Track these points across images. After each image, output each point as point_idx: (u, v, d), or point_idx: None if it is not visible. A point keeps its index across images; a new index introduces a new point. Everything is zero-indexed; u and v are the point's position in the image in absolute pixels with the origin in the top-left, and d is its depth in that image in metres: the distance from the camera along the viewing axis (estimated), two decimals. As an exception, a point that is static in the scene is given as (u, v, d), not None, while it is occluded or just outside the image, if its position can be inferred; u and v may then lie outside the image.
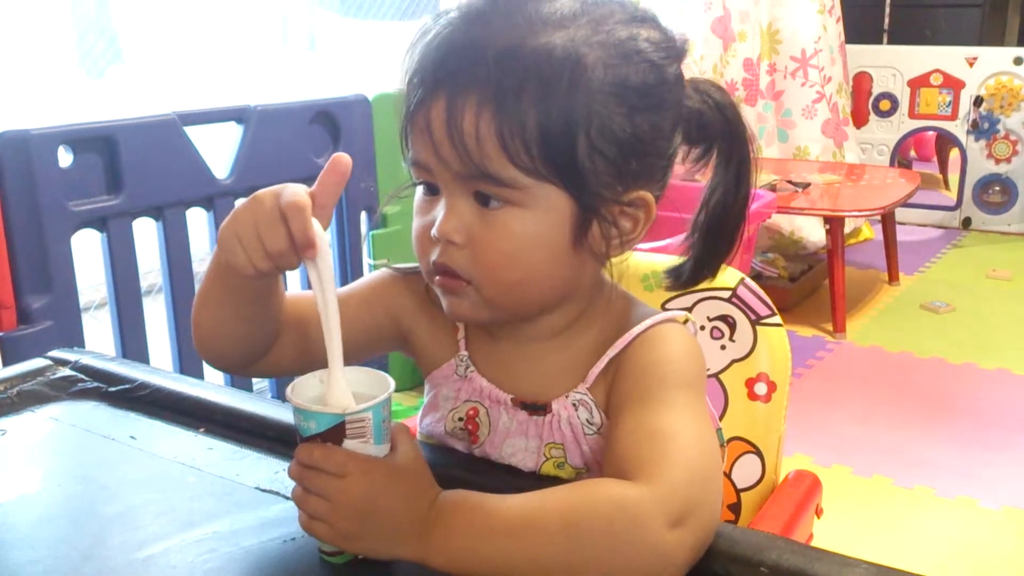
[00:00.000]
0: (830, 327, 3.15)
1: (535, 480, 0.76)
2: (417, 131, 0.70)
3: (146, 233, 2.01)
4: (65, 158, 1.77)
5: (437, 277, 0.73)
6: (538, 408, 0.77)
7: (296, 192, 0.65)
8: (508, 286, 0.72)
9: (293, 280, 2.35)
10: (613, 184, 0.71)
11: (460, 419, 0.81)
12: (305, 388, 0.68)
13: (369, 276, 0.87)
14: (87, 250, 2.02)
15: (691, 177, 0.80)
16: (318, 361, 0.68)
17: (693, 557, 0.63)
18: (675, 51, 0.74)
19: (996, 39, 5.22)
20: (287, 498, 0.67)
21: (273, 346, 0.79)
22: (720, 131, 0.76)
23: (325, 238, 0.66)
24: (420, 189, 0.74)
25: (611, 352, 0.76)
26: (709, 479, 0.65)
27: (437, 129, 0.68)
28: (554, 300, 0.76)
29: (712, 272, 0.79)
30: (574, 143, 0.68)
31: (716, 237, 0.77)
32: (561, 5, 0.70)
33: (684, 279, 0.79)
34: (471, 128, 0.67)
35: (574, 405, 0.76)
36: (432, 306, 0.78)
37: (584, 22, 0.69)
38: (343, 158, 0.67)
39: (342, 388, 0.66)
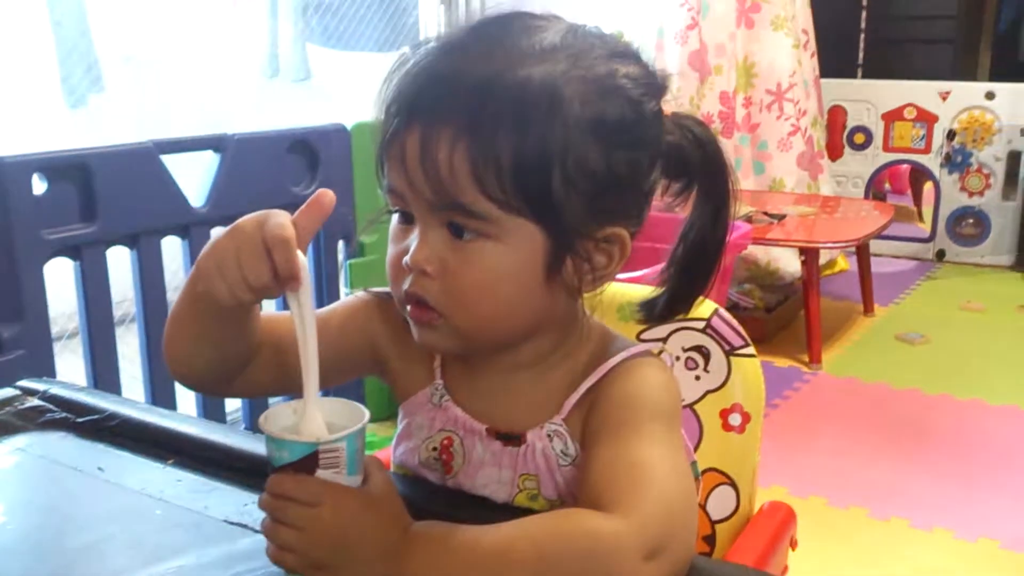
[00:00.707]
0: (806, 358, 3.16)
1: (508, 512, 0.75)
2: (392, 160, 0.70)
3: (120, 262, 1.99)
4: (39, 186, 1.76)
5: (409, 307, 0.73)
6: (513, 438, 0.77)
7: (280, 223, 0.63)
8: (479, 318, 0.72)
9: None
10: (587, 220, 0.71)
11: (434, 449, 0.81)
12: (278, 417, 0.67)
13: (347, 299, 0.86)
14: (61, 279, 2.00)
15: (671, 210, 0.80)
16: (295, 381, 0.67)
17: None
18: (655, 87, 0.74)
19: (968, 74, 5.30)
20: (256, 531, 0.66)
21: (249, 366, 0.78)
22: (700, 166, 0.76)
23: (306, 269, 0.65)
24: (395, 217, 0.74)
25: (587, 383, 0.75)
26: (684, 512, 0.65)
27: (411, 159, 0.68)
28: (526, 332, 0.76)
29: (687, 307, 0.79)
30: (548, 178, 0.67)
31: (693, 272, 0.77)
32: (541, 39, 0.70)
33: (658, 312, 0.79)
34: (445, 159, 0.67)
35: (549, 436, 0.76)
36: (408, 333, 0.77)
37: (563, 56, 0.69)
38: (328, 194, 0.66)
39: (317, 422, 0.66)
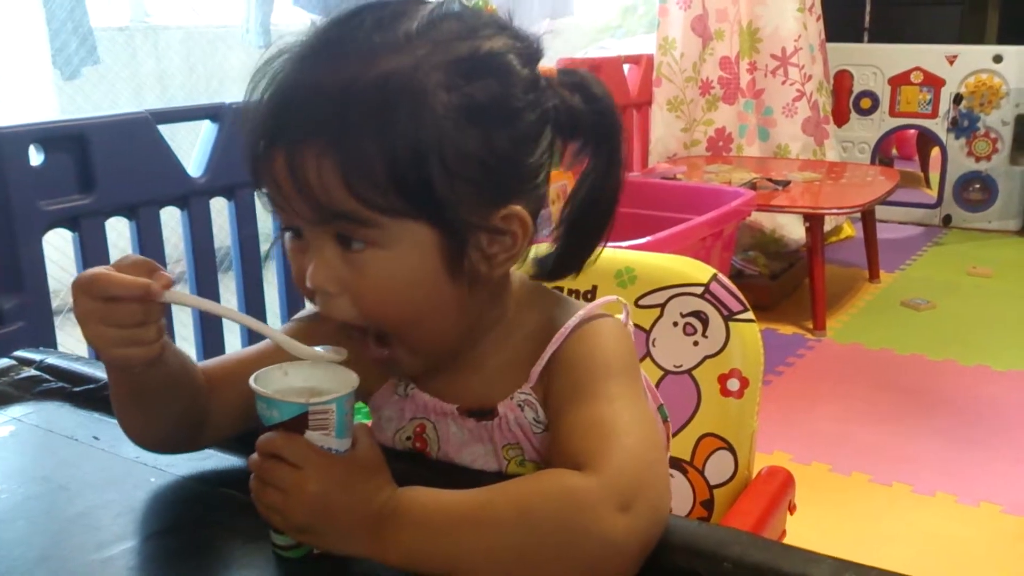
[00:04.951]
0: (811, 325, 3.16)
1: (500, 478, 0.75)
2: (266, 184, 0.68)
3: (119, 232, 1.98)
4: (36, 157, 1.75)
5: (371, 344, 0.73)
6: (485, 413, 0.77)
7: (87, 277, 0.65)
8: (400, 325, 0.70)
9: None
10: (479, 208, 0.68)
11: (408, 438, 0.81)
12: (269, 380, 0.67)
13: (282, 329, 0.83)
14: (62, 251, 1.99)
15: (569, 169, 0.77)
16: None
17: (646, 542, 0.62)
18: (528, 54, 0.71)
19: (976, 37, 5.24)
20: (249, 499, 0.66)
21: (208, 417, 0.78)
22: (589, 124, 0.73)
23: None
24: (288, 233, 0.71)
25: (550, 349, 0.74)
26: (652, 462, 0.65)
27: (283, 183, 0.66)
28: (465, 326, 0.74)
29: (577, 266, 0.77)
30: (429, 175, 0.65)
31: (582, 231, 0.75)
32: (395, 30, 0.66)
33: (549, 270, 0.77)
34: (315, 179, 0.64)
35: (520, 406, 0.76)
36: (354, 337, 0.75)
37: (420, 44, 0.65)
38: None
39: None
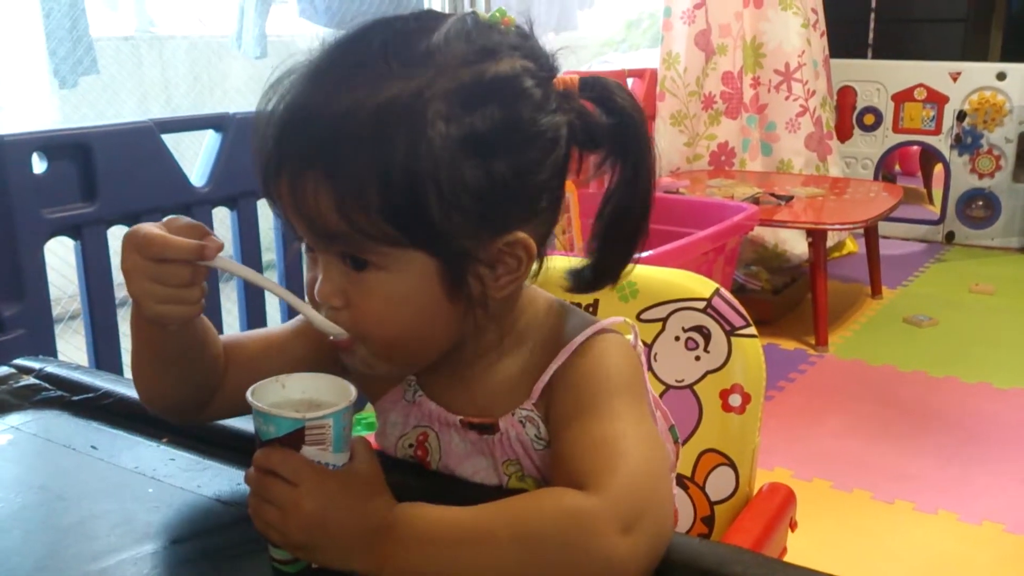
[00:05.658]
0: (813, 340, 3.15)
1: (500, 493, 0.75)
2: (275, 202, 0.69)
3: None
4: (39, 165, 1.75)
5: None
6: (486, 428, 0.76)
7: (141, 233, 0.66)
8: (389, 343, 0.71)
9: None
10: (479, 236, 0.67)
11: (410, 446, 0.80)
12: (266, 392, 0.67)
13: (297, 320, 0.84)
14: (64, 260, 2.00)
15: (593, 182, 0.76)
16: None
17: (648, 565, 0.62)
18: (541, 73, 0.69)
19: (979, 54, 5.25)
20: (247, 510, 0.65)
21: (219, 390, 0.79)
22: (610, 133, 0.72)
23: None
24: (303, 244, 0.72)
25: (553, 366, 0.74)
26: (655, 481, 0.64)
27: (287, 206, 0.68)
28: (446, 346, 0.73)
29: (613, 278, 0.76)
30: (425, 206, 0.64)
31: (615, 242, 0.75)
32: (400, 54, 0.66)
33: (584, 284, 0.77)
34: (313, 207, 0.65)
35: (521, 422, 0.75)
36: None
37: (424, 70, 0.65)
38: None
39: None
